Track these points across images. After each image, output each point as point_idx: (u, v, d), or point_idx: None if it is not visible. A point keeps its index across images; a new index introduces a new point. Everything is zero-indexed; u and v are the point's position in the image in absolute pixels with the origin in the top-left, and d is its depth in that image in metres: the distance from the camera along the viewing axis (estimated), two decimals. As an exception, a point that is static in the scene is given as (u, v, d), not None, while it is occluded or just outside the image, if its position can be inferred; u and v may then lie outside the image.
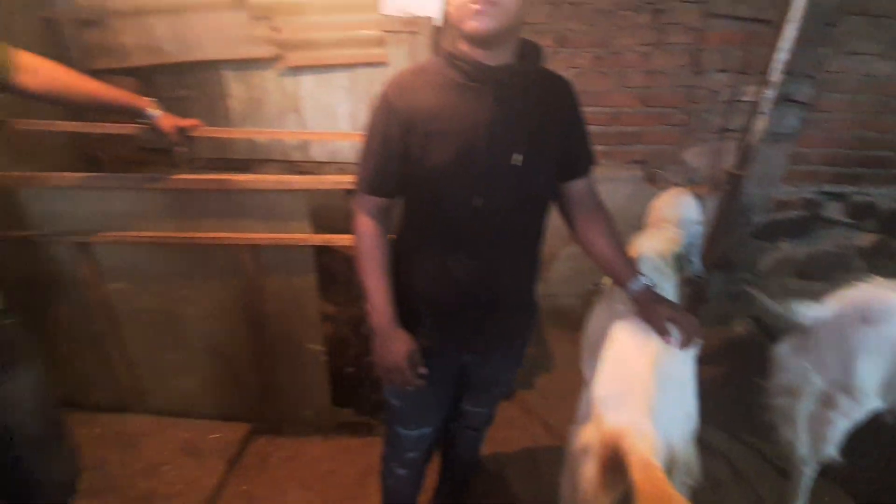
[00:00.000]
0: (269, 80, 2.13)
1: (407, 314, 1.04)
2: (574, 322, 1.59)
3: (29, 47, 1.07)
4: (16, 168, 1.46)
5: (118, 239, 1.49)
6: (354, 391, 1.96)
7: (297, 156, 2.30)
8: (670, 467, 0.90)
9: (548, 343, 2.49)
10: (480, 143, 0.89)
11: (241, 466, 1.76)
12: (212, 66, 2.07)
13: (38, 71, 1.00)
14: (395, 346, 1.00)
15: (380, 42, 2.04)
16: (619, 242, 1.06)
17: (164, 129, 1.24)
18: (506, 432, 1.92)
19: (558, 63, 2.22)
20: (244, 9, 1.93)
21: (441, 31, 2.08)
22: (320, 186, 1.41)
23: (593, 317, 1.33)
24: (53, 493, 1.06)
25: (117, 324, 1.68)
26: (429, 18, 2.03)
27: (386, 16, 2.02)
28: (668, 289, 1.23)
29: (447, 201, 0.94)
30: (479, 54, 0.88)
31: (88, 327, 1.65)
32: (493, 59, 0.88)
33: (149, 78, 2.06)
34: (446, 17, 0.87)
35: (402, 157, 0.93)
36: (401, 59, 2.10)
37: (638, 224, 1.56)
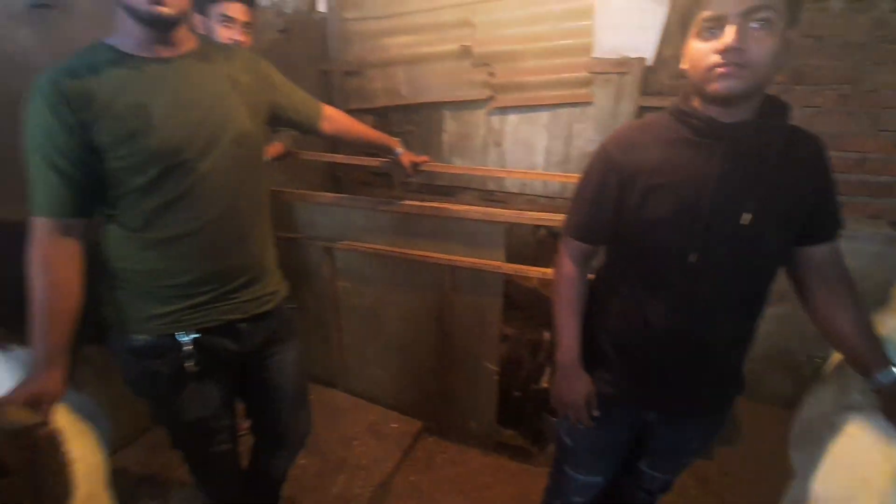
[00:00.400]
0: (478, 117, 2.38)
1: (593, 355, 1.06)
2: (770, 394, 1.38)
3: (310, 91, 1.40)
4: (292, 185, 1.94)
5: (352, 247, 1.85)
6: (519, 415, 2.03)
7: (492, 186, 2.50)
8: None
9: (735, 411, 2.18)
10: (704, 199, 0.86)
11: (412, 458, 1.97)
12: (434, 107, 2.42)
13: (332, 118, 1.33)
14: (575, 384, 1.04)
15: (587, 83, 2.11)
16: (866, 321, 0.91)
17: (403, 164, 1.51)
18: (673, 500, 1.75)
19: (792, 102, 1.97)
20: (469, 58, 2.21)
21: (652, 71, 2.06)
22: (520, 221, 1.53)
23: (813, 399, 1.15)
24: (296, 441, 1.37)
25: (339, 314, 2.07)
26: (641, 59, 2.03)
27: (596, 58, 2.08)
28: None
29: (660, 254, 0.92)
30: (714, 111, 0.86)
31: (320, 314, 2.06)
32: (730, 116, 0.85)
33: (385, 115, 2.51)
34: (687, 74, 0.86)
35: (616, 209, 0.96)
36: (606, 98, 2.13)
37: (883, 294, 1.29)
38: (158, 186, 0.93)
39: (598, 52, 2.08)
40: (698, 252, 0.88)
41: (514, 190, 2.48)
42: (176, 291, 1.01)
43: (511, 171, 1.90)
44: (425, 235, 1.73)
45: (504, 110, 2.32)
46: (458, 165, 2.44)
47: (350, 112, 2.45)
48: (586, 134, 2.24)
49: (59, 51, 1.45)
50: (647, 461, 1.20)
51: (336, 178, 2.75)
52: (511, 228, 1.64)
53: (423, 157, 1.57)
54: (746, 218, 0.85)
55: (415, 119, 2.49)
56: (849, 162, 2.02)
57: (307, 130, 1.29)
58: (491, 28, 2.19)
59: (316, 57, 2.51)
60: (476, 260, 1.67)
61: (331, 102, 2.50)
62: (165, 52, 0.94)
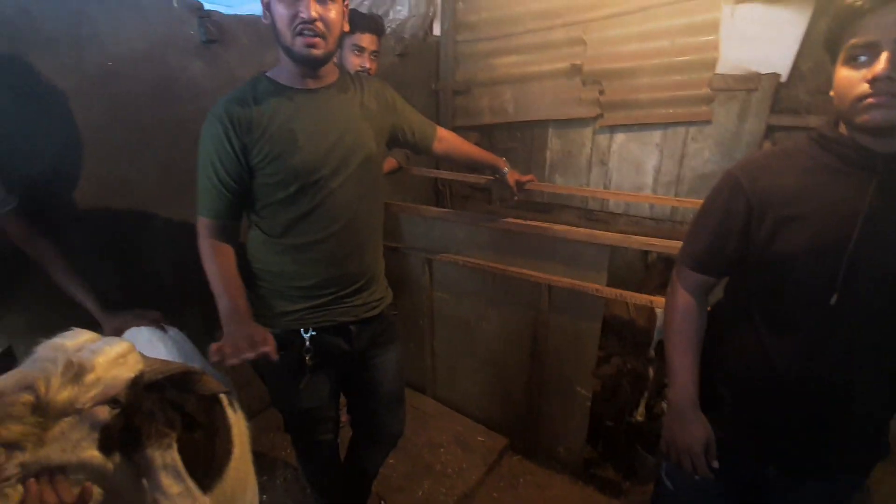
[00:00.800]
0: (584, 135, 2.34)
1: (706, 396, 0.98)
2: None
3: (420, 108, 1.48)
4: (397, 198, 2.07)
5: (451, 259, 1.91)
6: (610, 446, 1.93)
7: (593, 205, 2.44)
8: None
9: (872, 478, 1.86)
10: (850, 236, 0.77)
11: (496, 474, 1.96)
12: (539, 125, 2.42)
13: (444, 139, 1.41)
14: (692, 428, 0.96)
15: (707, 100, 1.98)
16: None
17: (509, 183, 1.55)
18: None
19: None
20: (579, 76, 2.19)
21: (786, 87, 1.87)
22: (627, 244, 1.48)
23: None
24: (389, 439, 1.46)
25: (433, 323, 2.14)
26: (774, 75, 1.86)
27: (719, 74, 1.95)
28: None
29: (793, 292, 0.84)
30: (866, 140, 0.77)
31: (416, 321, 2.16)
32: (886, 145, 0.76)
33: (490, 133, 2.57)
34: (834, 102, 0.78)
35: (741, 240, 0.89)
36: (728, 117, 1.98)
37: None
38: (296, 200, 1.07)
39: (721, 68, 1.95)
40: (840, 293, 0.79)
41: (618, 210, 2.38)
42: (302, 293, 1.15)
43: (619, 193, 1.84)
44: (525, 253, 1.74)
45: (612, 128, 2.25)
46: (561, 184, 2.41)
47: (456, 129, 2.56)
48: (703, 154, 2.09)
49: (221, 78, 1.72)
50: None
51: (438, 192, 2.86)
52: (615, 251, 1.58)
53: (529, 177, 1.59)
54: None
55: (518, 136, 2.52)
56: None
57: (421, 150, 1.38)
58: (604, 45, 2.15)
59: (428, 77, 2.65)
60: (576, 281, 1.63)
61: (438, 119, 2.63)
62: (312, 84, 1.09)
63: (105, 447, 0.65)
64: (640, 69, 2.08)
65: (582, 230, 1.56)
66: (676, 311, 0.99)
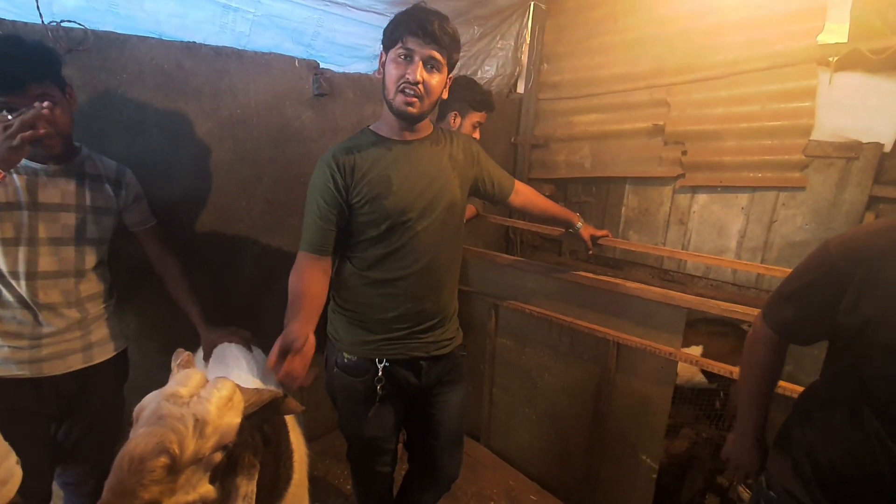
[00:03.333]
0: (663, 193, 2.31)
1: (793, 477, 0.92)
2: None
3: (499, 159, 1.56)
4: (470, 243, 2.14)
5: (518, 307, 1.93)
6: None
7: (669, 265, 2.36)
8: None
9: None
10: None
11: (547, 539, 1.87)
12: (616, 181, 2.43)
13: (521, 193, 1.48)
14: (744, 458, 1.05)
15: (802, 166, 1.91)
16: None
17: (583, 238, 1.58)
18: None
19: None
20: (661, 136, 2.20)
21: (890, 158, 1.76)
22: (707, 310, 1.42)
23: None
24: (445, 480, 1.46)
25: (494, 370, 2.14)
26: (877, 144, 1.76)
27: (815, 140, 1.87)
28: None
29: (893, 382, 0.77)
30: None
31: (478, 366, 2.17)
32: None
33: (565, 186, 2.61)
34: None
35: (828, 313, 0.84)
36: (825, 185, 1.89)
37: None
38: (385, 238, 1.18)
39: (817, 135, 1.87)
40: None
41: (697, 273, 2.29)
42: (380, 325, 1.24)
43: (698, 255, 1.78)
44: (594, 307, 1.72)
45: (694, 188, 2.21)
46: (635, 241, 2.37)
47: (531, 181, 2.63)
48: (795, 221, 1.98)
49: (326, 126, 1.94)
50: None
51: (509, 240, 2.91)
52: (692, 314, 1.53)
53: (604, 231, 1.60)
54: None
55: (593, 191, 2.54)
56: None
57: (499, 202, 1.46)
58: (688, 107, 2.16)
59: (509, 131, 2.78)
60: (647, 342, 1.58)
61: (515, 170, 2.72)
62: (409, 136, 1.22)
63: (213, 479, 0.74)
64: (726, 132, 2.05)
65: (657, 289, 1.53)
66: (751, 358, 1.01)
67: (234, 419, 0.75)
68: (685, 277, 2.33)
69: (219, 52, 1.65)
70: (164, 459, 0.66)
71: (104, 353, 1.29)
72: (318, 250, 1.18)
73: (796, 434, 0.95)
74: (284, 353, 0.97)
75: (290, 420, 1.05)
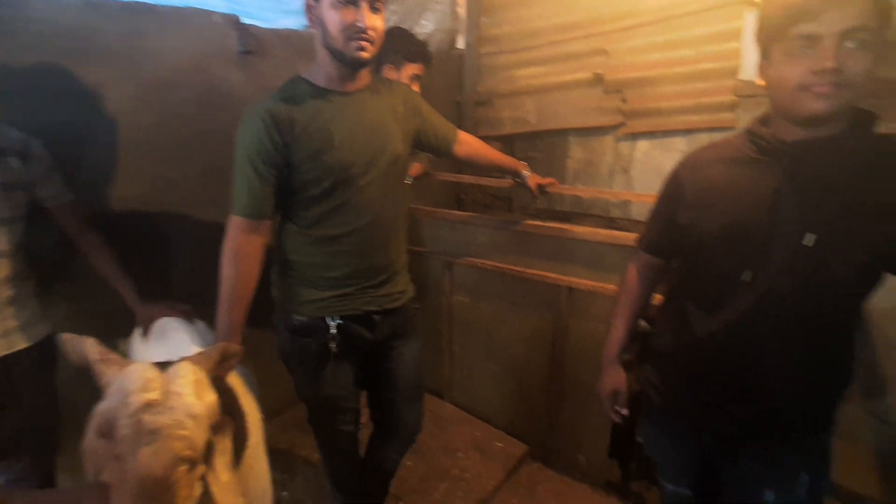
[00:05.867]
0: (605, 144, 2.35)
1: (647, 371, 1.10)
2: None
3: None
4: (420, 203, 2.11)
5: (472, 263, 1.94)
6: (633, 455, 1.89)
7: (616, 213, 2.43)
8: None
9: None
10: (760, 217, 0.84)
11: (514, 481, 1.94)
12: (560, 133, 2.45)
13: (465, 143, 1.46)
14: (605, 378, 1.17)
15: (732, 106, 1.98)
16: None
17: (530, 186, 1.59)
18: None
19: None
20: (601, 85, 2.22)
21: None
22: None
23: None
24: (407, 434, 1.47)
25: (453, 327, 2.16)
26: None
27: (743, 80, 1.95)
28: None
29: (712, 270, 0.93)
30: (788, 129, 0.82)
31: (436, 325, 2.18)
32: (808, 134, 0.80)
33: (511, 143, 2.61)
34: (769, 92, 0.83)
35: (676, 225, 0.98)
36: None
37: None
38: (327, 195, 1.14)
39: (744, 75, 1.95)
40: (753, 271, 0.86)
41: (640, 218, 2.37)
42: (329, 283, 1.20)
43: (642, 195, 1.84)
44: (545, 255, 1.76)
45: (634, 136, 2.26)
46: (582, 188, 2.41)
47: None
48: (727, 161, 2.08)
49: (256, 86, 1.82)
50: None
51: (459, 200, 2.90)
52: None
53: (550, 179, 1.62)
54: (810, 239, 0.80)
55: (539, 146, 2.55)
56: None
57: (443, 153, 1.43)
58: (626, 55, 2.18)
59: (451, 89, 2.72)
60: (597, 283, 1.64)
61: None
62: (349, 87, 1.16)
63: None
64: (663, 77, 2.10)
65: (603, 231, 1.58)
66: (624, 285, 1.15)
67: (210, 396, 0.76)
68: (631, 224, 2.41)
69: (128, 8, 1.50)
70: (183, 468, 0.68)
71: (25, 339, 1.19)
72: (254, 214, 1.11)
73: (650, 342, 1.12)
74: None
75: (238, 384, 1.02)
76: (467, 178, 2.07)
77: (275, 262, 1.26)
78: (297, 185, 1.13)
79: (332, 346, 1.21)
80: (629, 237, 1.53)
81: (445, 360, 2.23)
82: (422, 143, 1.36)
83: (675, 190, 0.99)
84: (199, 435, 0.71)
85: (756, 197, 0.86)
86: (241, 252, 1.11)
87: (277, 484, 1.82)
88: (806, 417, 0.94)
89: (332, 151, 1.11)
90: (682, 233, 0.97)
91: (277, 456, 1.99)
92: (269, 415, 2.16)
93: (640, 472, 1.85)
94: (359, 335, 1.25)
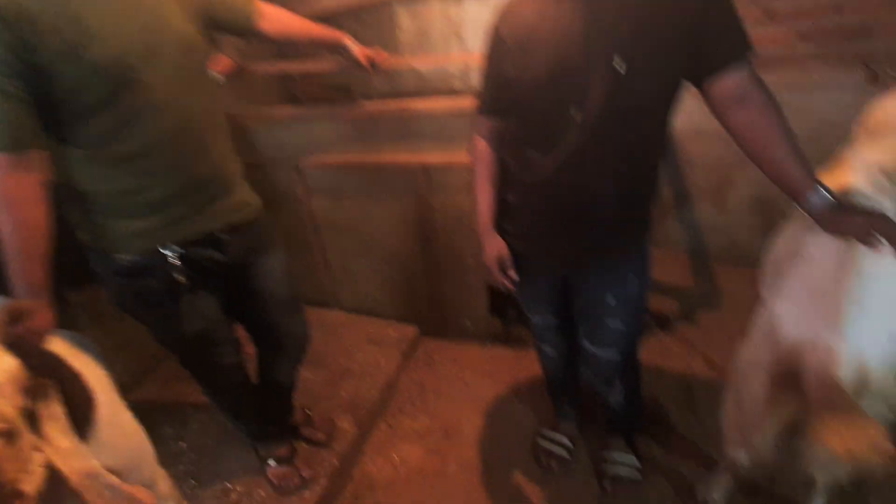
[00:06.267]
0: (434, 9, 2.21)
1: (508, 217, 1.16)
2: (751, 258, 1.43)
3: None
4: (243, 108, 1.84)
5: (321, 162, 1.80)
6: (507, 305, 2.11)
7: (458, 85, 2.39)
8: (860, 391, 0.82)
9: (717, 279, 2.30)
10: (576, 52, 0.87)
11: (412, 360, 2.08)
12: (384, 4, 2.24)
13: (270, 16, 1.23)
14: (487, 247, 1.18)
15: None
16: (794, 144, 0.85)
17: (358, 59, 1.44)
18: (661, 362, 1.90)
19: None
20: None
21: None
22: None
23: (780, 237, 1.20)
24: (295, 345, 1.42)
25: (319, 233, 2.06)
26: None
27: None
28: (891, 209, 1.03)
29: (542, 110, 0.95)
30: None
31: (301, 236, 2.06)
32: None
33: (336, 22, 2.32)
34: None
35: (506, 77, 0.98)
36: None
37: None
38: (107, 102, 0.91)
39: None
40: (577, 104, 0.91)
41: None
42: (151, 207, 1.02)
43: (474, 55, 1.80)
44: (394, 138, 1.69)
45: (460, -1, 2.16)
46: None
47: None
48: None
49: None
50: (586, 334, 1.27)
51: (293, 97, 2.60)
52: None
53: (376, 49, 1.48)
54: (620, 64, 0.85)
55: (366, 21, 2.32)
56: (824, 6, 1.94)
57: (245, 31, 1.21)
58: None
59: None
60: (448, 157, 1.64)
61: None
62: None
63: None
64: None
65: (444, 102, 1.54)
66: (475, 154, 1.15)
67: (7, 361, 0.68)
68: (473, 93, 2.41)
69: None
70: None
71: None
72: (15, 145, 0.85)
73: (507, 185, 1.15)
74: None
75: (60, 346, 0.88)
76: (290, 67, 1.83)
77: (67, 198, 1.01)
78: (60, 94, 0.88)
79: (181, 277, 1.06)
80: (471, 104, 1.51)
81: (321, 268, 2.17)
82: (215, 23, 1.12)
83: (497, 44, 0.99)
84: (5, 404, 0.64)
85: (569, 31, 0.88)
86: (13, 198, 0.86)
87: (170, 438, 1.73)
88: (630, 229, 1.09)
89: (94, 45, 0.86)
90: (513, 84, 0.98)
91: (164, 412, 1.86)
92: (141, 375, 1.98)
93: (517, 318, 2.10)
94: (209, 259, 1.11)
